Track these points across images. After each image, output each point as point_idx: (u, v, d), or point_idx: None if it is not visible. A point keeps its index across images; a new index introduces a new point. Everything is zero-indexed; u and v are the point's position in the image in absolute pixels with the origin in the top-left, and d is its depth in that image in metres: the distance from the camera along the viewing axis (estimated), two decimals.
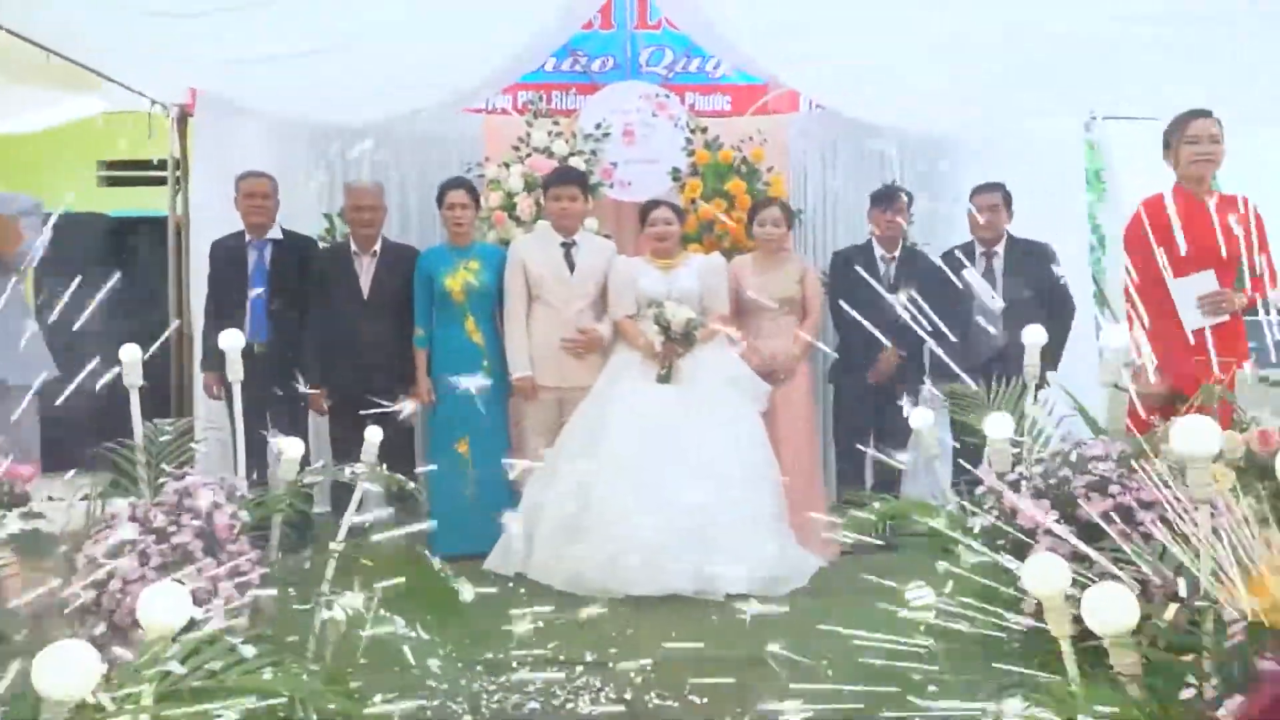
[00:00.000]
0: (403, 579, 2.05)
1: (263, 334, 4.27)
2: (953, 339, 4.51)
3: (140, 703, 1.33)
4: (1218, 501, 1.56)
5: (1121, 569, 1.54)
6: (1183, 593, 1.46)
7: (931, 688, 1.72)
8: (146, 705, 1.31)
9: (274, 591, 1.88)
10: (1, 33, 3.82)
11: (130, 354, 2.21)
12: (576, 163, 4.95)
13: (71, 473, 2.29)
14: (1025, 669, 1.56)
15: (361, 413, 3.07)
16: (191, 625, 1.53)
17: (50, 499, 2.32)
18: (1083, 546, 1.57)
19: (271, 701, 1.37)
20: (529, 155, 5.03)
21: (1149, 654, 1.42)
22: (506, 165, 5.03)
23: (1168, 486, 1.61)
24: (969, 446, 3.05)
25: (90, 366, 2.17)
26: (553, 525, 3.86)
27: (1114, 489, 1.74)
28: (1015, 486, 1.88)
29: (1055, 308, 4.23)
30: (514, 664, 2.94)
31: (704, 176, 5.07)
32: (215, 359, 4.06)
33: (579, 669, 2.93)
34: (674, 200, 4.69)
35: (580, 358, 4.24)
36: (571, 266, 4.31)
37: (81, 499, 2.23)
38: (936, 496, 2.32)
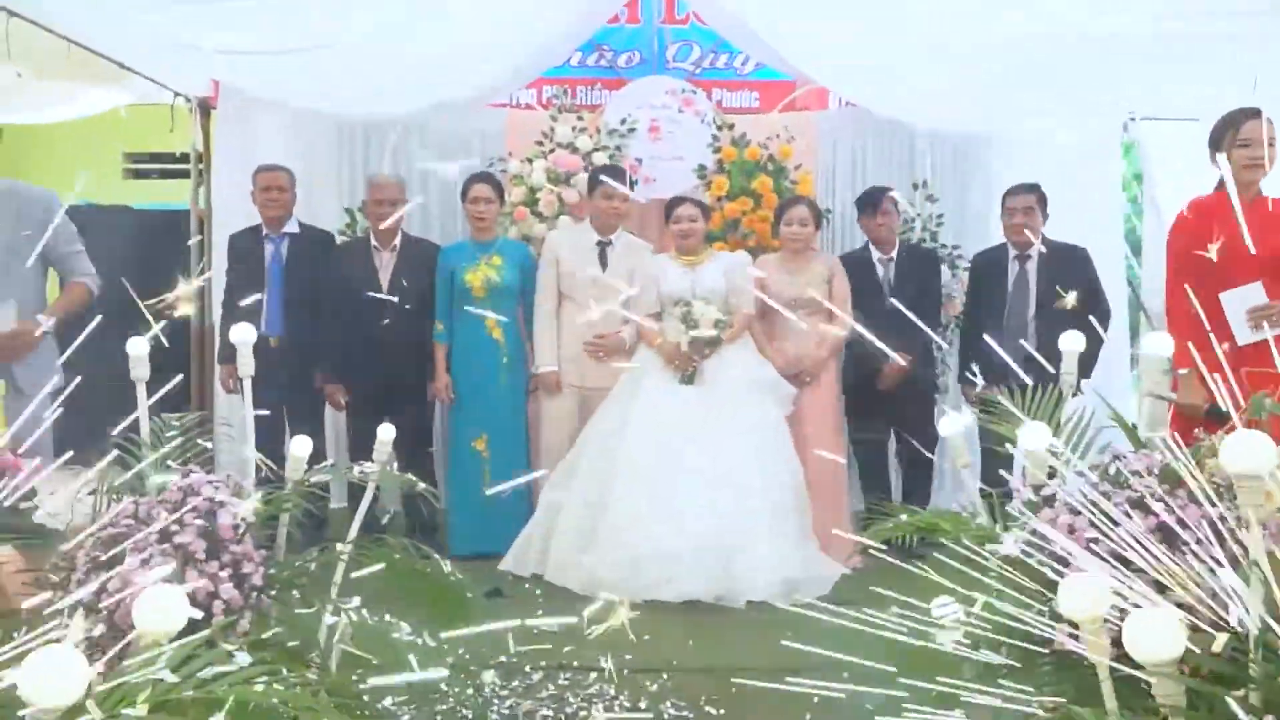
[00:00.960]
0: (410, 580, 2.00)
1: (278, 328, 4.24)
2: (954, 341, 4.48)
3: (133, 710, 1.28)
4: (1270, 522, 1.47)
5: (1165, 593, 1.45)
6: (1232, 621, 1.36)
7: (956, 711, 1.64)
8: (139, 715, 1.26)
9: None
10: (25, 24, 3.81)
11: (137, 348, 2.17)
12: (600, 158, 4.89)
13: (78, 467, 2.24)
14: (1058, 696, 1.48)
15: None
16: (194, 628, 1.48)
17: (55, 493, 2.29)
18: (1123, 571, 1.48)
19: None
20: (552, 150, 4.98)
21: (1193, 685, 1.33)
22: (530, 160, 4.97)
23: (1215, 505, 1.52)
24: (996, 455, 2.96)
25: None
26: (570, 527, 3.81)
27: (1157, 506, 1.64)
28: (1050, 501, 1.79)
29: (1092, 313, 4.11)
30: (527, 668, 2.88)
31: (730, 174, 4.99)
32: (231, 352, 4.04)
33: (593, 675, 2.87)
34: (699, 197, 4.62)
35: (602, 360, 4.18)
36: (604, 265, 4.25)
37: (89, 494, 2.20)
38: (966, 507, 2.23)
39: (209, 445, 2.23)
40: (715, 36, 5.42)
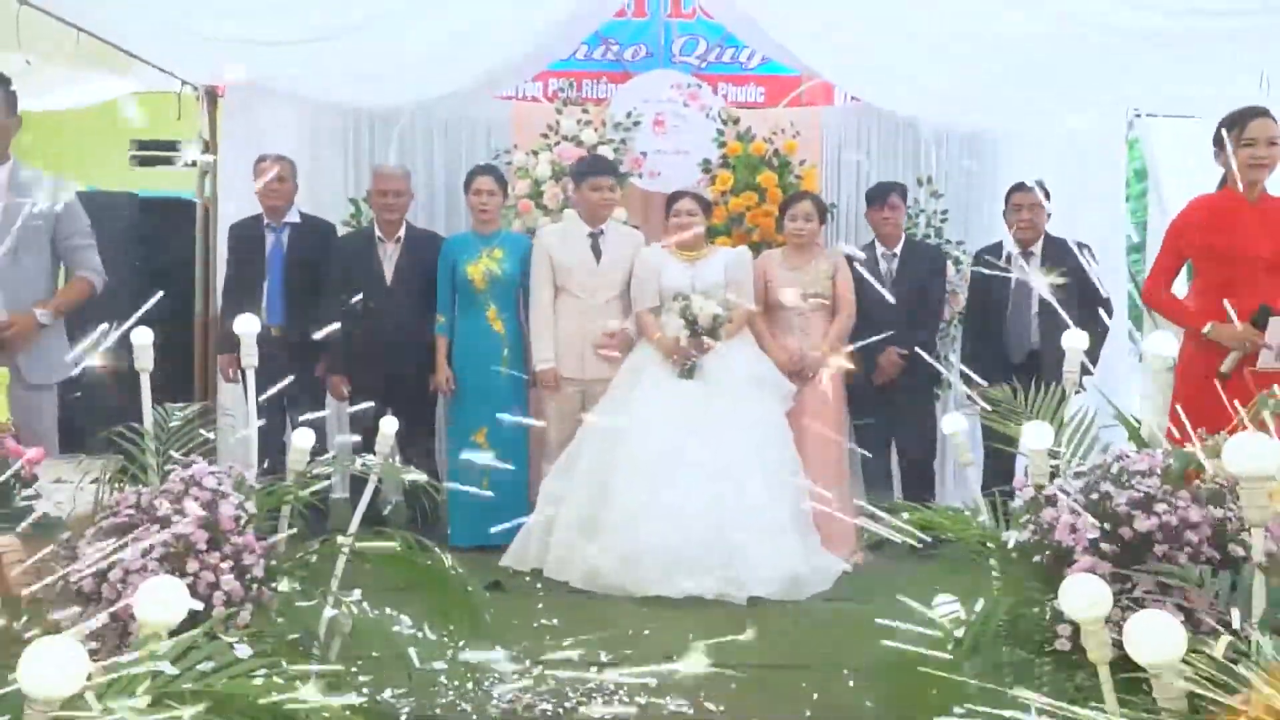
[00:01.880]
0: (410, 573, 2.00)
1: (278, 317, 4.23)
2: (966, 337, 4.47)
3: (132, 701, 1.28)
4: (1273, 522, 1.46)
5: (1167, 593, 1.45)
6: (1235, 622, 1.36)
7: (956, 709, 1.64)
8: (137, 707, 1.26)
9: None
10: (34, 12, 3.81)
11: (142, 337, 2.17)
12: (605, 152, 4.88)
13: (81, 456, 2.25)
14: (1057, 697, 1.47)
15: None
16: (195, 620, 1.48)
17: (59, 481, 2.29)
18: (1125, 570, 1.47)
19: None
20: (557, 143, 4.97)
21: (1195, 687, 1.33)
22: (535, 153, 4.96)
23: (1218, 506, 1.51)
24: (1000, 454, 2.96)
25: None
26: (570, 522, 3.80)
27: (1160, 506, 1.64)
28: (1052, 500, 1.79)
29: (1094, 310, 4.11)
30: (527, 662, 2.88)
31: (735, 169, 4.98)
32: (231, 342, 4.04)
33: (592, 669, 2.87)
34: (701, 191, 4.60)
35: (614, 359, 4.17)
36: (598, 256, 4.24)
37: (91, 482, 2.20)
38: (968, 505, 2.23)
39: (211, 435, 2.23)
40: (721, 31, 5.40)
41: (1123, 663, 1.34)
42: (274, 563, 1.90)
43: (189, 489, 1.88)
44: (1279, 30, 3.81)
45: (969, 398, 2.40)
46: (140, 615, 1.37)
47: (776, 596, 3.56)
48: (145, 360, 2.20)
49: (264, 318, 4.07)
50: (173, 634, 1.36)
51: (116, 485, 2.13)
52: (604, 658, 2.96)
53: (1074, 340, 2.38)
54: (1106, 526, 1.67)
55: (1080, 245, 4.26)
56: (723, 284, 4.10)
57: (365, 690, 1.99)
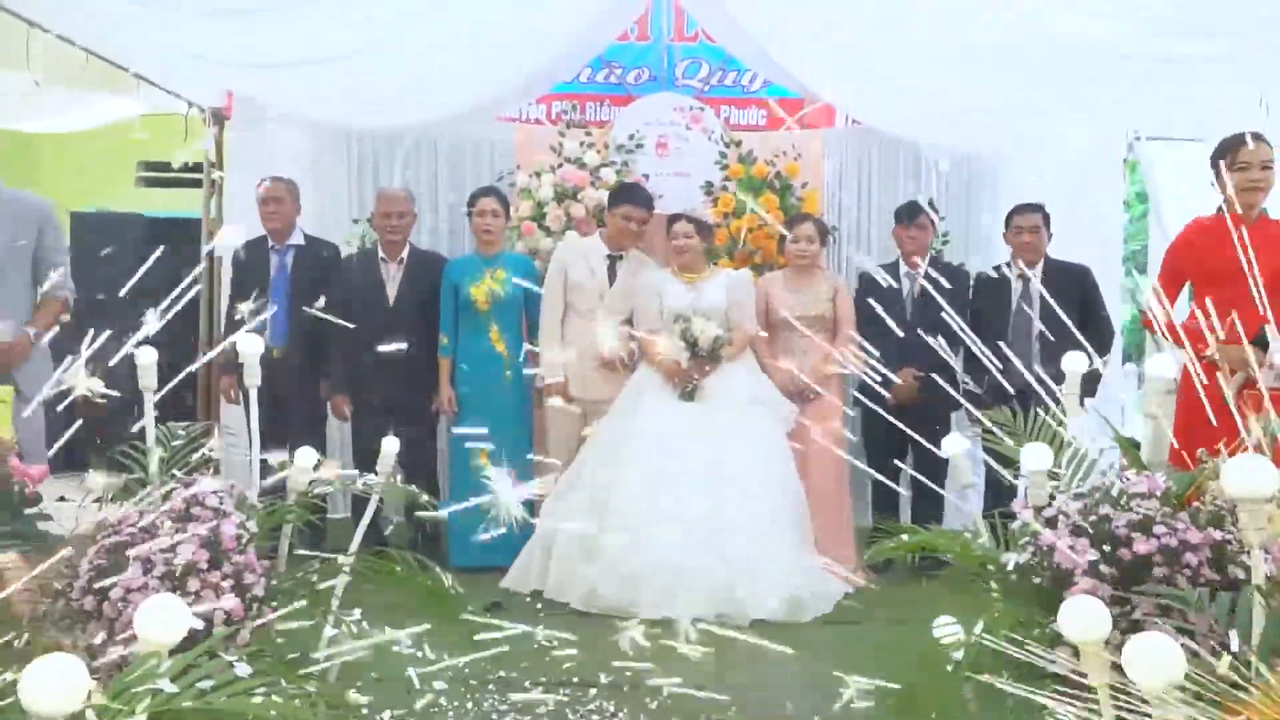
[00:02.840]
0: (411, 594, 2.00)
1: (281, 339, 4.25)
2: (983, 359, 4.44)
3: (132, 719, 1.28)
4: (1272, 544, 1.46)
5: (1166, 615, 1.45)
6: (1234, 644, 1.36)
7: None
8: None
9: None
10: (42, 34, 3.85)
11: (145, 357, 2.18)
12: (608, 174, 4.91)
13: (85, 474, 2.25)
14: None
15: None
16: (194, 639, 1.48)
17: (63, 499, 2.30)
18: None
19: None
20: (560, 165, 5.00)
21: (1194, 711, 1.33)
22: (537, 174, 4.99)
23: (1217, 528, 1.51)
24: (1002, 476, 2.96)
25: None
26: (570, 543, 3.79)
27: (1159, 529, 1.64)
28: (1052, 522, 1.79)
29: (1094, 333, 4.11)
30: (526, 683, 2.87)
31: (737, 191, 5.01)
32: (232, 362, 4.06)
33: (593, 691, 2.86)
34: (701, 213, 4.60)
35: (608, 375, 4.18)
36: (612, 280, 4.27)
37: (93, 501, 2.21)
38: (969, 527, 2.23)
39: (213, 454, 2.24)
40: (723, 54, 5.45)
41: (1123, 685, 1.34)
42: (274, 582, 1.90)
43: (191, 508, 1.89)
44: (1277, 53, 3.85)
45: (970, 419, 2.41)
46: (140, 633, 1.38)
47: (778, 618, 3.55)
48: (149, 379, 2.21)
49: (267, 339, 4.10)
50: (173, 652, 1.36)
51: (119, 504, 2.13)
52: (603, 679, 2.94)
53: (1074, 363, 2.39)
54: (1106, 548, 1.67)
55: (1081, 268, 4.28)
56: (724, 306, 4.11)
57: (364, 710, 1.98)
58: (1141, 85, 4.25)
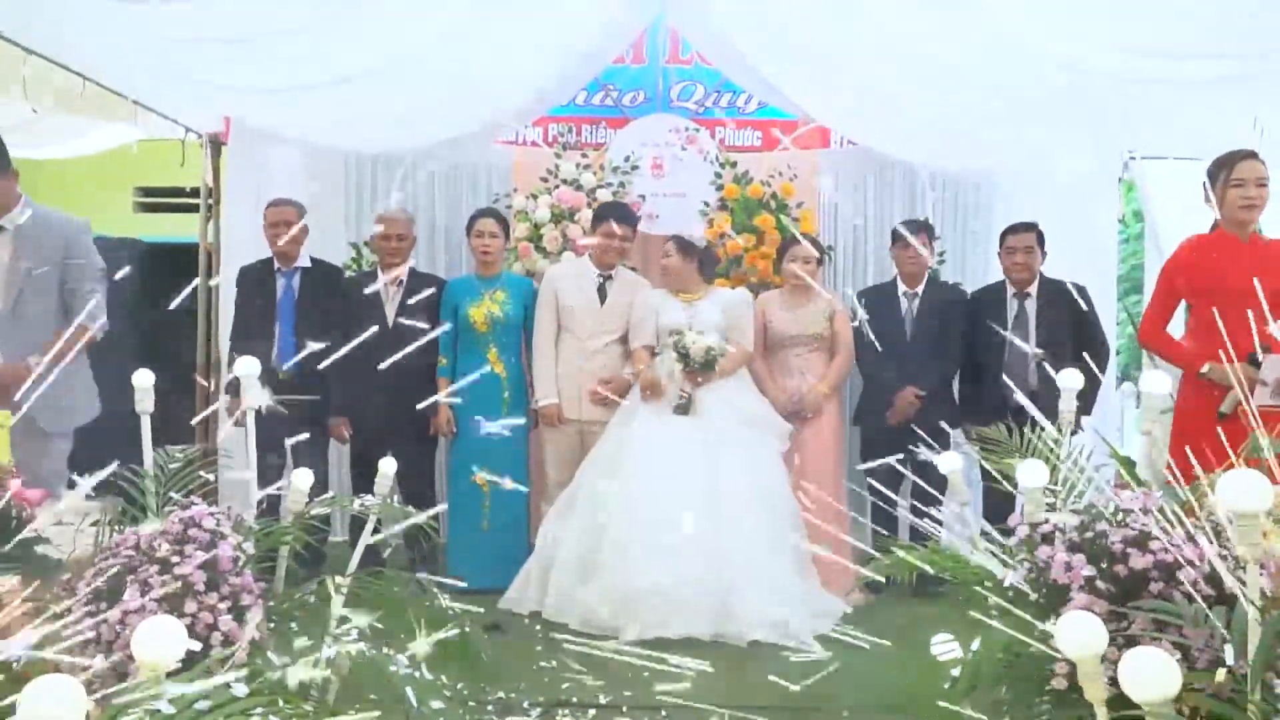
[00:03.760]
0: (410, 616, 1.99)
1: (288, 361, 4.25)
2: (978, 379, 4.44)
3: None
4: (1267, 560, 1.47)
5: (1163, 630, 1.45)
6: (1229, 659, 1.36)
7: None
8: None
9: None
10: (41, 61, 3.88)
11: (143, 380, 2.19)
12: (604, 195, 4.94)
13: (81, 497, 2.25)
14: None
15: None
16: (192, 661, 1.48)
17: (60, 524, 2.29)
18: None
19: None
20: (557, 187, 5.03)
21: None
22: (534, 196, 5.03)
23: (1212, 543, 1.52)
24: (998, 493, 2.96)
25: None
26: (567, 563, 3.79)
27: (1154, 544, 1.64)
28: (1048, 539, 1.79)
29: (1090, 351, 4.12)
30: (525, 704, 2.86)
31: (733, 211, 5.04)
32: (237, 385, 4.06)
33: (592, 712, 2.85)
34: (691, 234, 4.59)
35: (608, 405, 4.19)
36: (603, 299, 4.29)
37: (91, 524, 2.21)
38: (967, 545, 2.23)
39: (211, 477, 2.24)
40: (718, 76, 5.49)
41: (1120, 700, 1.34)
42: (272, 603, 1.90)
43: (188, 529, 1.89)
44: (1272, 74, 3.88)
45: (965, 436, 2.42)
46: (138, 655, 1.38)
47: (775, 639, 3.54)
48: (146, 403, 2.22)
49: (276, 362, 4.12)
50: (170, 674, 1.36)
51: (116, 527, 2.13)
52: (601, 700, 2.93)
53: (1069, 380, 2.41)
54: (1103, 565, 1.68)
55: (1076, 287, 4.29)
56: (721, 324, 4.13)
57: None
58: (1137, 105, 4.28)
